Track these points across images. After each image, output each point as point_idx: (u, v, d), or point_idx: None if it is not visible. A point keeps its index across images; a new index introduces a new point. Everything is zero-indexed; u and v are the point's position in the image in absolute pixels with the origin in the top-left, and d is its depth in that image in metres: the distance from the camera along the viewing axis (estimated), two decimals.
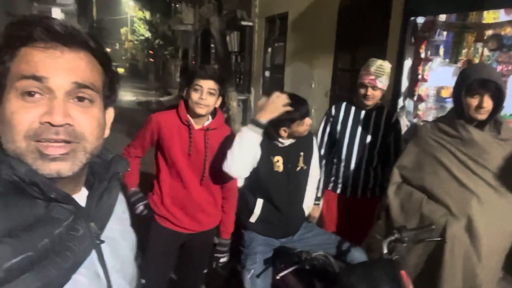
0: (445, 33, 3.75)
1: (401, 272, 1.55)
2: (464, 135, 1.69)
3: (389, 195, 1.89)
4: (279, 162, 1.98)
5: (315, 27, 5.78)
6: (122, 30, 45.54)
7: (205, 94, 1.77)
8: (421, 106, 3.96)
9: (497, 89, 1.60)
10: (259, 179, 1.97)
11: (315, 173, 2.20)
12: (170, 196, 1.91)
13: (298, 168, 2.05)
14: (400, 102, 4.15)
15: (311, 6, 5.87)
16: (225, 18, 9.22)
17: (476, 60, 3.55)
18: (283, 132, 1.93)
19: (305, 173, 2.10)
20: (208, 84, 1.77)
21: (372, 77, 2.20)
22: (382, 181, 2.36)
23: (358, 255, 1.94)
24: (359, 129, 2.36)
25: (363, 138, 2.36)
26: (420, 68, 3.87)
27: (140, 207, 1.90)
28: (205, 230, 2.01)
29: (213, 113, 1.92)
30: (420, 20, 3.89)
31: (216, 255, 2.04)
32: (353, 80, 5.02)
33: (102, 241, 0.67)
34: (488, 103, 1.62)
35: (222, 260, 2.05)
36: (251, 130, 1.75)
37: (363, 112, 2.37)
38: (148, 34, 21.15)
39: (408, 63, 4.03)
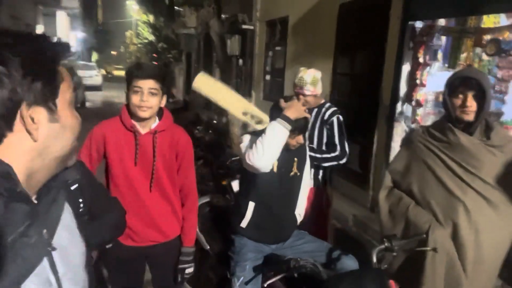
0: (443, 37, 3.72)
1: (389, 282, 1.52)
2: (452, 139, 1.67)
3: (379, 199, 1.87)
4: (273, 165, 1.96)
5: (315, 31, 5.76)
6: (127, 33, 45.85)
7: (146, 95, 1.65)
8: (420, 111, 3.92)
9: (480, 88, 1.58)
10: (252, 180, 1.95)
11: (307, 182, 2.19)
12: (127, 208, 1.74)
13: (292, 173, 2.03)
14: (399, 107, 4.11)
15: (311, 10, 5.86)
16: (227, 22, 9.24)
17: (476, 65, 3.51)
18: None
19: (298, 179, 2.08)
20: (148, 84, 1.65)
21: (298, 88, 2.59)
22: (325, 172, 2.72)
23: (349, 263, 1.91)
24: None
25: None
26: (419, 73, 3.84)
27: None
28: (168, 241, 1.89)
29: (160, 114, 1.80)
30: (419, 24, 3.86)
31: (180, 266, 1.90)
32: (352, 84, 5.02)
33: (54, 248, 0.66)
34: (471, 102, 1.60)
35: (188, 271, 1.92)
36: (281, 125, 1.78)
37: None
38: (152, 38, 21.24)
39: (406, 67, 3.99)
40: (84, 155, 1.75)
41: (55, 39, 0.69)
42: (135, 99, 1.66)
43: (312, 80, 2.61)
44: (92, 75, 20.90)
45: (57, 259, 0.68)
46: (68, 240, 0.74)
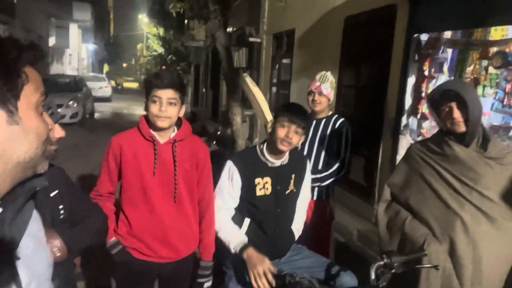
0: (449, 50, 3.68)
1: None
2: (448, 151, 1.63)
3: (378, 213, 1.82)
4: (267, 184, 1.90)
5: (321, 44, 5.77)
6: (138, 46, 46.62)
7: (165, 105, 1.62)
8: (425, 124, 3.86)
9: (461, 98, 1.56)
10: (246, 198, 1.91)
11: (306, 196, 2.12)
12: (139, 223, 1.73)
13: (288, 191, 1.97)
14: (404, 120, 4.06)
15: (317, 23, 5.88)
16: (234, 34, 9.33)
17: (482, 78, 3.46)
18: (269, 124, 1.93)
19: (294, 195, 2.02)
20: (167, 94, 1.62)
21: (318, 83, 2.56)
22: (328, 185, 2.63)
23: (348, 279, 1.84)
24: (308, 137, 2.63)
25: (310, 145, 2.64)
26: (424, 86, 3.79)
27: (118, 255, 1.74)
28: (182, 258, 1.83)
29: (179, 124, 1.78)
30: (424, 37, 3.83)
31: (198, 280, 1.85)
32: (358, 96, 4.98)
33: (18, 258, 0.64)
34: (456, 114, 1.57)
35: (206, 285, 1.86)
36: (232, 246, 1.80)
37: (313, 122, 2.64)
38: (161, 50, 21.54)
39: (411, 80, 3.95)
40: (103, 166, 1.74)
41: (24, 42, 0.67)
42: (154, 108, 1.63)
43: (331, 82, 2.63)
44: (102, 87, 21.22)
45: (21, 269, 0.66)
46: (33, 250, 0.72)
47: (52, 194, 1.22)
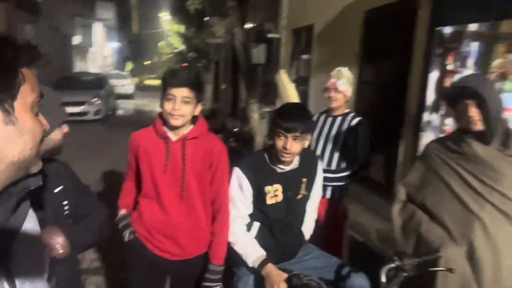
0: (474, 43, 3.52)
1: None
2: (466, 150, 1.54)
3: (392, 214, 1.75)
4: (278, 191, 1.82)
5: (340, 39, 5.66)
6: (160, 44, 47.21)
7: (179, 104, 1.61)
8: (448, 121, 3.71)
9: (479, 96, 1.46)
10: (256, 204, 1.85)
11: (316, 195, 2.05)
12: (149, 217, 1.75)
13: (299, 196, 1.89)
14: (426, 116, 3.93)
15: (336, 18, 5.76)
16: (252, 31, 9.27)
17: (509, 72, 3.30)
18: (270, 134, 1.80)
19: (306, 199, 1.95)
20: (181, 92, 1.61)
21: (334, 80, 2.50)
22: (342, 184, 2.56)
23: (359, 281, 1.79)
24: (323, 134, 2.59)
25: (325, 142, 2.59)
26: (447, 81, 3.65)
27: (127, 234, 1.74)
28: (192, 257, 1.80)
29: (195, 122, 1.76)
30: (447, 30, 3.68)
31: (204, 283, 1.77)
32: (377, 92, 4.86)
33: (12, 257, 0.66)
34: (473, 111, 1.48)
35: None
36: (250, 261, 1.76)
37: (329, 119, 2.61)
38: (182, 47, 21.70)
39: (434, 75, 3.81)
40: (129, 162, 1.80)
41: (22, 42, 0.66)
42: (167, 106, 1.63)
43: (349, 78, 2.54)
44: (125, 84, 21.62)
45: (15, 268, 0.67)
46: (27, 249, 0.72)
47: (56, 190, 1.23)
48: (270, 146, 1.86)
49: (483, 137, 1.52)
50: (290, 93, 2.60)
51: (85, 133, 10.02)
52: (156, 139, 1.72)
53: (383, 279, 1.39)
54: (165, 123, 1.70)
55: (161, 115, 1.73)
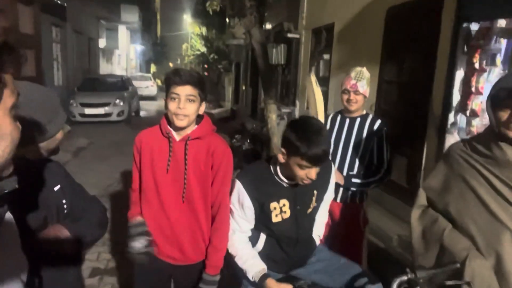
0: (503, 40, 3.32)
1: None
2: (498, 154, 1.39)
3: (411, 220, 1.63)
4: (285, 207, 1.69)
5: (361, 38, 5.51)
6: (183, 46, 47.81)
7: (183, 102, 1.57)
8: (475, 122, 3.52)
9: None
10: (262, 218, 1.73)
11: (328, 199, 1.91)
12: (151, 219, 1.70)
13: (310, 210, 1.75)
14: (451, 117, 3.75)
15: (357, 16, 5.62)
16: (272, 31, 9.21)
17: None
18: (280, 155, 1.60)
19: (316, 208, 1.82)
20: (185, 91, 1.57)
21: (353, 81, 2.36)
22: (363, 187, 2.44)
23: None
24: (342, 136, 2.47)
25: (345, 144, 2.46)
26: (474, 80, 3.46)
27: (141, 242, 1.57)
28: (192, 264, 1.74)
29: (199, 122, 1.71)
30: (474, 26, 3.50)
31: None
32: (400, 92, 4.68)
33: None
34: None
35: None
36: (251, 275, 1.66)
37: (347, 120, 2.48)
38: (204, 49, 21.88)
39: (460, 74, 3.63)
40: (134, 162, 1.76)
41: (4, 47, 0.64)
42: (172, 106, 1.59)
43: (367, 78, 2.41)
44: (148, 86, 21.97)
45: None
46: (3, 254, 0.71)
47: (55, 189, 1.22)
48: (275, 158, 1.71)
49: None
50: (318, 97, 2.49)
51: (108, 133, 10.23)
52: (160, 138, 1.69)
53: None
54: (170, 123, 1.67)
55: (166, 116, 1.69)
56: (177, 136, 1.67)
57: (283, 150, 1.59)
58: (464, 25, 3.55)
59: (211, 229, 1.73)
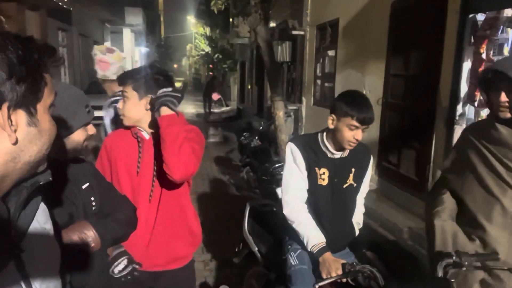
0: (510, 30, 3.31)
1: None
2: (494, 133, 1.48)
3: (427, 216, 1.69)
4: (324, 175, 1.83)
5: (367, 32, 5.50)
6: (188, 47, 47.91)
7: (121, 102, 1.57)
8: (484, 112, 3.52)
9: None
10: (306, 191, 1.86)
11: (365, 189, 1.99)
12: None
13: (346, 185, 1.86)
14: (459, 108, 3.74)
15: (362, 11, 5.61)
16: (277, 28, 9.21)
17: None
18: (330, 120, 1.74)
19: (354, 190, 1.91)
20: (123, 90, 1.56)
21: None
22: None
23: None
24: None
25: None
26: (481, 70, 3.45)
27: (123, 263, 1.40)
28: (176, 269, 1.66)
29: None
30: (481, 17, 3.49)
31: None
32: (407, 85, 4.67)
33: (23, 250, 0.67)
34: (503, 97, 1.40)
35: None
36: (310, 244, 1.73)
37: None
38: (208, 49, 21.94)
39: (467, 65, 3.63)
40: (98, 164, 1.67)
41: (41, 43, 0.68)
42: (121, 106, 1.60)
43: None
44: None
45: (26, 261, 0.68)
46: (40, 243, 0.74)
47: (84, 187, 1.25)
48: (324, 131, 1.85)
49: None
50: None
51: None
52: (131, 139, 1.62)
53: (440, 273, 1.35)
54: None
55: None
56: (146, 135, 1.61)
57: (333, 115, 1.73)
58: (470, 15, 3.54)
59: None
